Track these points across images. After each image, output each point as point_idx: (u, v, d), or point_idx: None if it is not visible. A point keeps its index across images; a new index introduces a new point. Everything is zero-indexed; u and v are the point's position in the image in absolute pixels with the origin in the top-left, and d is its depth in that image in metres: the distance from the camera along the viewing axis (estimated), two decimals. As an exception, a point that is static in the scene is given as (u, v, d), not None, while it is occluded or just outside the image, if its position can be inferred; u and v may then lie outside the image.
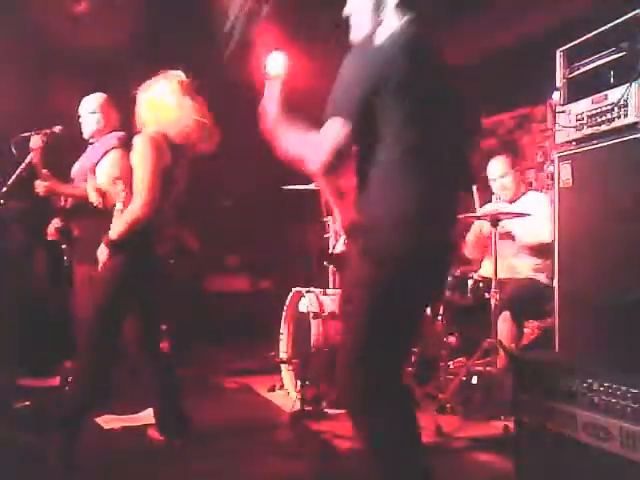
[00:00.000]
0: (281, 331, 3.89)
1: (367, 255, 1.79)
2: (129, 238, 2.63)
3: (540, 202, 3.79)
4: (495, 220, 3.38)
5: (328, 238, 4.17)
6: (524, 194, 3.96)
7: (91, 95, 3.54)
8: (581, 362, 2.00)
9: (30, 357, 3.89)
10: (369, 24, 1.87)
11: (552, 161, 2.98)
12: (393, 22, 1.84)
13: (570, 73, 2.84)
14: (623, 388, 1.75)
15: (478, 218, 3.80)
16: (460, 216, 3.73)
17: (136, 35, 4.30)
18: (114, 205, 2.79)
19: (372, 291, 1.79)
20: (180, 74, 2.82)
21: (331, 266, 4.00)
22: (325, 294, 3.83)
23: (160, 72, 2.82)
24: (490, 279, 3.35)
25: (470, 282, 3.54)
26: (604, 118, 2.62)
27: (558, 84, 2.88)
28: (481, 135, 5.77)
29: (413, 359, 3.84)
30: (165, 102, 2.75)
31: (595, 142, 2.69)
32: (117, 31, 4.11)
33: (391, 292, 1.79)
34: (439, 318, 3.63)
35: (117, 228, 2.65)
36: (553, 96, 2.91)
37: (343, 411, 3.24)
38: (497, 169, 3.97)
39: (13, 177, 3.29)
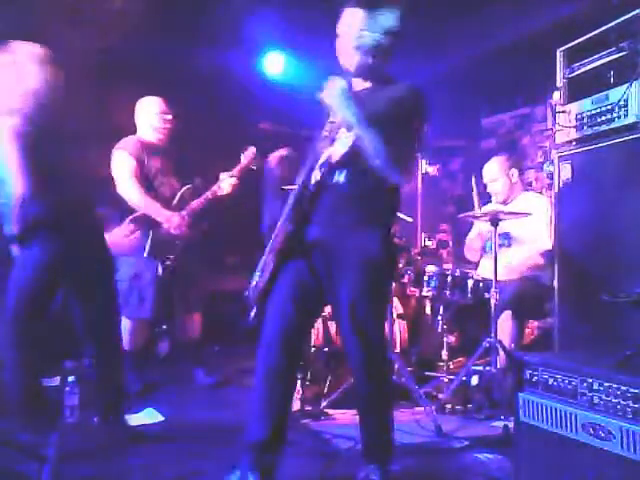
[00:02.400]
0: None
1: None
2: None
3: (535, 204, 3.79)
4: (495, 220, 3.38)
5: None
6: (521, 194, 3.97)
7: None
8: (581, 362, 2.00)
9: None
10: None
11: (552, 161, 2.98)
12: None
13: (570, 73, 2.84)
14: (623, 388, 1.75)
15: (477, 218, 3.80)
16: (461, 215, 3.75)
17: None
18: None
19: None
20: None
21: None
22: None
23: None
24: (490, 279, 3.35)
25: (470, 282, 3.54)
26: (604, 118, 2.62)
27: (558, 84, 2.88)
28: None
29: (413, 359, 3.85)
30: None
31: (595, 142, 2.69)
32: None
33: None
34: (439, 318, 3.64)
35: None
36: (553, 96, 2.91)
37: (344, 411, 3.27)
38: (487, 173, 3.99)
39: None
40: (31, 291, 2.70)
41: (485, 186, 4.05)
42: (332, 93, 2.16)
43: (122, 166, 3.73)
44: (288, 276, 2.29)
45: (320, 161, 2.28)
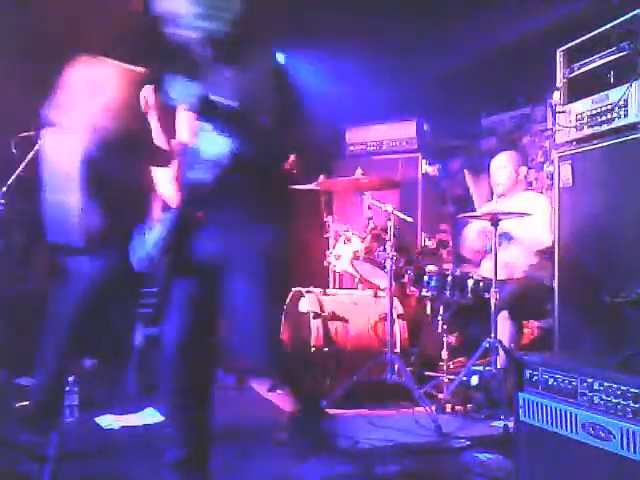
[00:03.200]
0: (281, 331, 3.89)
1: None
2: None
3: (534, 203, 3.79)
4: (495, 220, 3.38)
5: (328, 238, 4.18)
6: (520, 192, 3.98)
7: None
8: (581, 362, 2.00)
9: (30, 357, 3.88)
10: None
11: (552, 161, 2.98)
12: None
13: (570, 73, 2.85)
14: (623, 388, 1.75)
15: (478, 218, 3.80)
16: (461, 215, 3.75)
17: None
18: None
19: None
20: None
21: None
22: (325, 294, 3.83)
23: None
24: (490, 279, 3.35)
25: (470, 282, 3.54)
26: (604, 118, 2.62)
27: (558, 84, 2.89)
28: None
29: (413, 359, 3.85)
30: None
31: (595, 142, 2.69)
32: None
33: None
34: (439, 318, 3.63)
35: None
36: (553, 96, 2.92)
37: (344, 411, 3.28)
38: (496, 161, 4.07)
39: (13, 177, 3.29)
40: (87, 302, 2.73)
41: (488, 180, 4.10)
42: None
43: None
44: (181, 290, 2.20)
45: (200, 160, 2.09)
